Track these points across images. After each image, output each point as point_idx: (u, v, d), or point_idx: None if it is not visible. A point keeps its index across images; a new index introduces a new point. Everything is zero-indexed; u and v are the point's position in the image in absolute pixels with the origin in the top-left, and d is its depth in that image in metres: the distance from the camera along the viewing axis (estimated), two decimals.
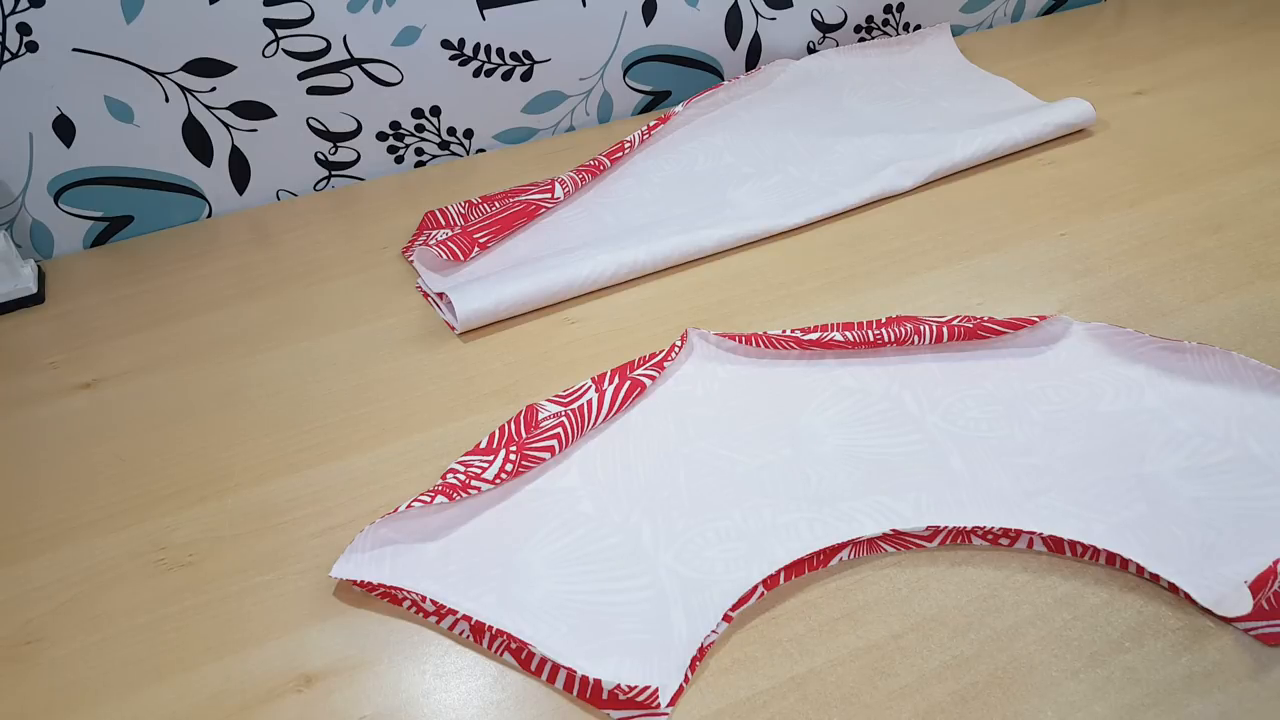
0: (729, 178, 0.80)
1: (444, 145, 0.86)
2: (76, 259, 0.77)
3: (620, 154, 0.80)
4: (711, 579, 0.49)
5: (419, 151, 0.86)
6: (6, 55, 0.68)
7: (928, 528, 0.50)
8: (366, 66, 0.79)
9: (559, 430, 0.55)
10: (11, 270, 0.71)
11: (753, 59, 0.94)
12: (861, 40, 0.98)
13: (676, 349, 0.61)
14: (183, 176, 0.78)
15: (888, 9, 0.97)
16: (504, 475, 0.53)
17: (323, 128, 0.81)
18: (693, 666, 0.45)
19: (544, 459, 0.55)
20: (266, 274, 0.73)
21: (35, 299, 0.72)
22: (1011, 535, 0.50)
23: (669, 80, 0.92)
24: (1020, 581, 0.49)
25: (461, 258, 0.70)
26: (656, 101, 0.93)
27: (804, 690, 0.45)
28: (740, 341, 0.62)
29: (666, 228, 0.72)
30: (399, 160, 0.85)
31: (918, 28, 1.00)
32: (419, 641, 0.48)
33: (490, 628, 0.47)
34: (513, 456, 0.54)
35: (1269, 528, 0.49)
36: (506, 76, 0.85)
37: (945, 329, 0.61)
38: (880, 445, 0.56)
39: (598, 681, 0.44)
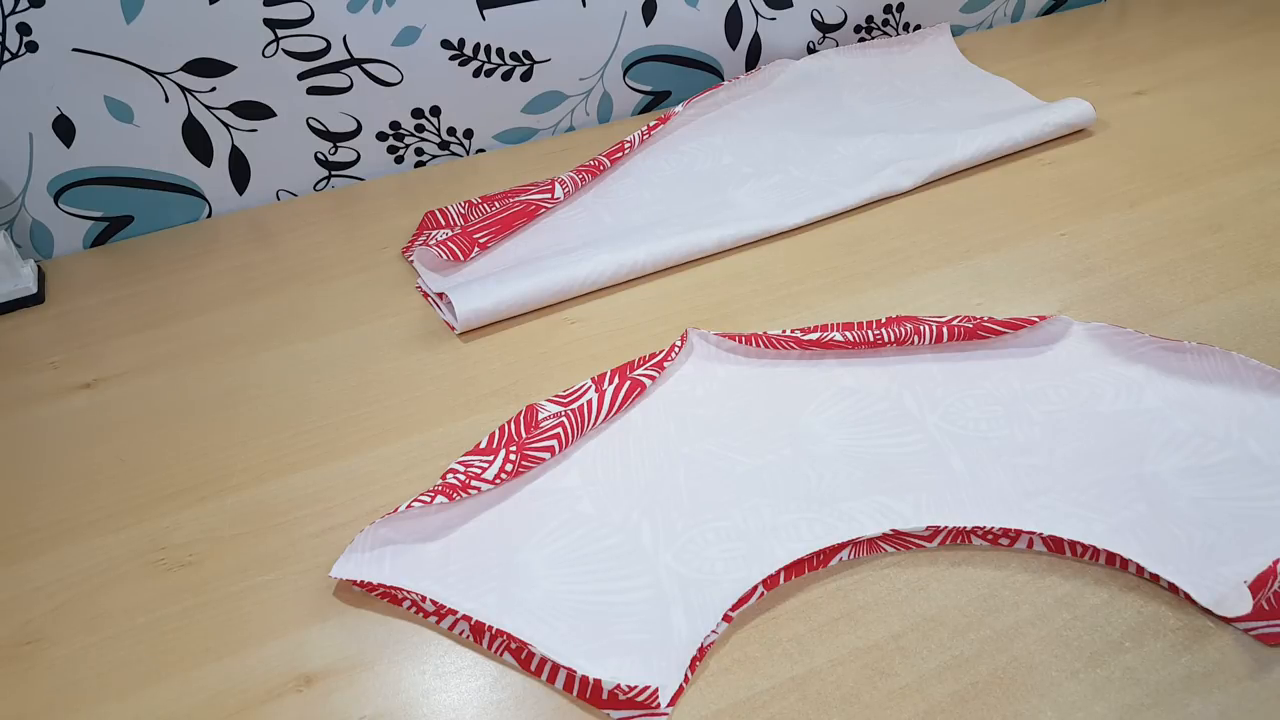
0: (729, 178, 0.80)
1: (444, 145, 0.86)
2: (76, 259, 0.77)
3: (620, 154, 0.80)
4: (711, 579, 0.49)
5: (419, 151, 0.86)
6: (6, 55, 0.68)
7: (928, 528, 0.50)
8: (366, 66, 0.79)
9: (559, 430, 0.55)
10: (11, 270, 0.71)
11: (753, 59, 0.94)
12: (861, 40, 0.98)
13: (676, 349, 0.61)
14: (182, 176, 0.78)
15: (888, 9, 0.97)
16: (504, 475, 0.53)
17: (323, 128, 0.81)
18: (693, 666, 0.45)
19: (544, 459, 0.55)
20: (266, 274, 0.74)
21: (35, 299, 0.72)
22: (1011, 535, 0.50)
23: (669, 80, 0.92)
24: (1020, 581, 0.49)
25: (461, 258, 0.70)
26: (656, 101, 0.93)
27: (804, 690, 0.44)
28: (740, 341, 0.62)
29: (666, 228, 0.72)
30: (399, 160, 0.85)
31: (918, 28, 1.00)
32: (419, 641, 0.48)
33: (490, 628, 0.47)
34: (513, 456, 0.54)
35: (1269, 528, 0.49)
36: (506, 76, 0.85)
37: (945, 329, 0.61)
38: (880, 445, 0.56)
39: (598, 681, 0.44)
